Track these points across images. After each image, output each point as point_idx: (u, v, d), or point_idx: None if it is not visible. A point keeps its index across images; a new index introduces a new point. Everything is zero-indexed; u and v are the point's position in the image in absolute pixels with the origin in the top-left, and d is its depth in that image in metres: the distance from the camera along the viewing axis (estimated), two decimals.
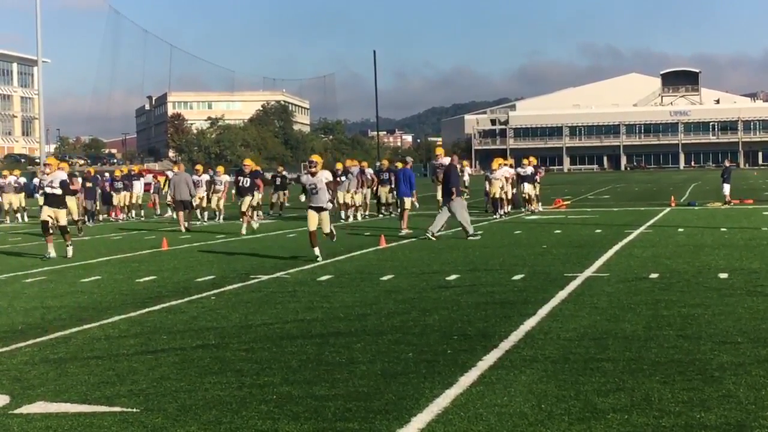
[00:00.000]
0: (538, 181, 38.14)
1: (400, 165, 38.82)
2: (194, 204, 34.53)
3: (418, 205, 33.64)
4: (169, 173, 39.22)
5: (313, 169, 19.75)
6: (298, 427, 6.84)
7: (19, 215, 40.87)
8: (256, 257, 20.40)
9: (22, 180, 42.29)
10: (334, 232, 20.68)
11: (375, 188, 38.19)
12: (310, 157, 20.50)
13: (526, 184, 36.52)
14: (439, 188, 30.38)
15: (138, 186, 41.95)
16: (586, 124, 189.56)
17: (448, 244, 22.84)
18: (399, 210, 28.74)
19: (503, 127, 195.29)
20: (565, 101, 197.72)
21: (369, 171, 38.43)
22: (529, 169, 36.78)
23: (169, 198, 35.52)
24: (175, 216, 34.75)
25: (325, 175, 19.83)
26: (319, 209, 19.67)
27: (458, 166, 29.32)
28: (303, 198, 20.33)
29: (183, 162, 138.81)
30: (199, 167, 38.41)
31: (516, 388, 7.82)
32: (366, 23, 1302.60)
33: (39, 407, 7.67)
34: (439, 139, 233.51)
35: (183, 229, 30.94)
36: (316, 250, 19.36)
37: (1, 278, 17.60)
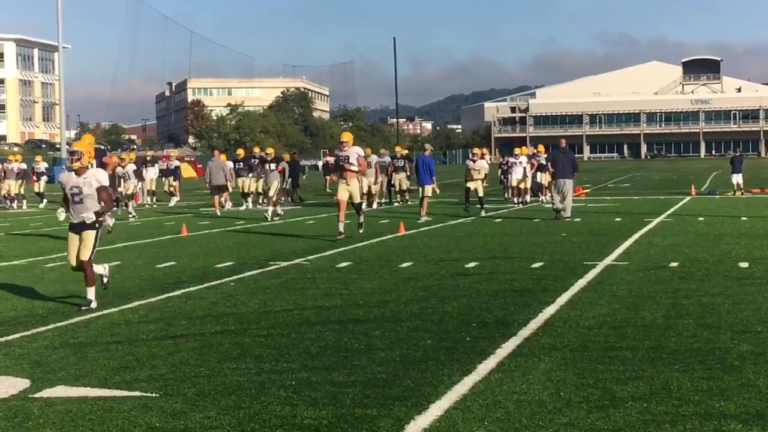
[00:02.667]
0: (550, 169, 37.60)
1: (405, 152, 39.09)
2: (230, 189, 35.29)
3: (438, 191, 33.50)
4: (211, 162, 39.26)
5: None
6: (316, 413, 6.85)
7: (15, 202, 40.75)
8: (276, 243, 20.43)
9: (23, 166, 42.32)
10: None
11: (389, 176, 38.13)
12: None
13: (539, 173, 36.31)
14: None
15: (152, 172, 41.96)
16: (607, 112, 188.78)
17: (468, 231, 22.82)
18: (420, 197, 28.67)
19: (523, 114, 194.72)
20: (586, 89, 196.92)
21: (387, 158, 38.28)
22: (542, 158, 36.50)
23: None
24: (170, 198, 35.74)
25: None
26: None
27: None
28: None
29: (203, 148, 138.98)
30: (240, 151, 39.94)
31: (535, 376, 7.82)
32: (381, 11, 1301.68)
33: (59, 391, 7.71)
34: (459, 126, 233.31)
35: (218, 213, 32.36)
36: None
37: (22, 263, 17.68)
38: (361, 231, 21.52)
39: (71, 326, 10.79)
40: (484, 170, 30.62)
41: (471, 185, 30.29)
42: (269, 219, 28.15)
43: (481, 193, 29.77)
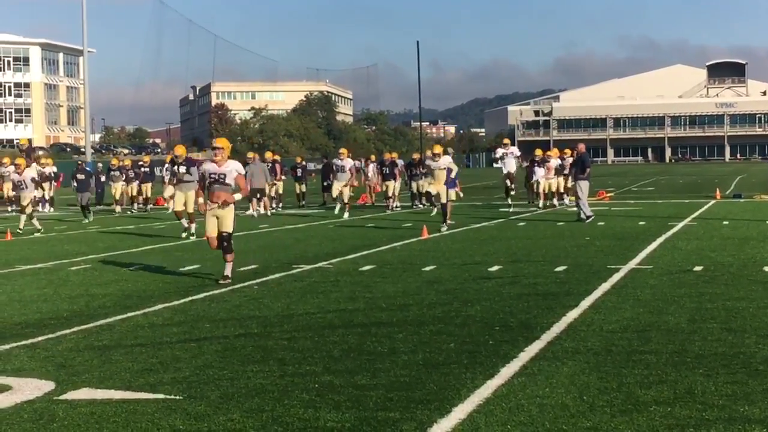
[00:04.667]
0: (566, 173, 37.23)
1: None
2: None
3: (462, 195, 33.24)
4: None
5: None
6: (339, 416, 6.86)
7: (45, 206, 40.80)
8: (299, 247, 20.46)
9: (54, 169, 42.47)
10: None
11: (407, 180, 38.30)
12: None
13: (557, 177, 36.10)
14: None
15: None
16: (631, 116, 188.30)
17: (491, 235, 22.80)
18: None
19: (547, 118, 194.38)
20: (610, 92, 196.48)
21: (400, 162, 38.32)
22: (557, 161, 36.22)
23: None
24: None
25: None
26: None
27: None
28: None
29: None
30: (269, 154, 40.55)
31: (558, 380, 7.80)
32: (401, 14, 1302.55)
33: (83, 393, 7.75)
34: (483, 130, 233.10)
35: (268, 213, 33.47)
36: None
37: (47, 266, 17.77)
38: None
39: (95, 329, 10.84)
40: (453, 169, 25.39)
41: (433, 189, 24.98)
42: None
43: (444, 199, 24.62)
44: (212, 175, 14.94)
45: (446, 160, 25.06)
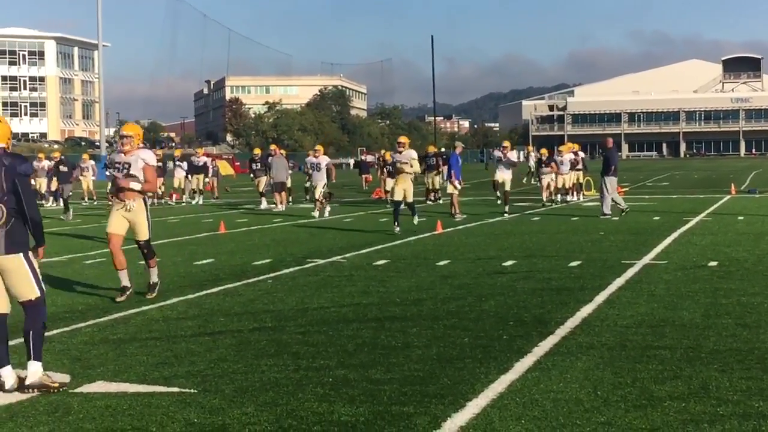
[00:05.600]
0: (579, 168, 37.01)
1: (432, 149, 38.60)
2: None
3: (459, 187, 31.72)
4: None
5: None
6: (353, 410, 6.87)
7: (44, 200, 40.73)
8: (313, 241, 20.48)
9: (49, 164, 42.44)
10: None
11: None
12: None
13: (573, 172, 35.92)
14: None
15: (181, 171, 41.67)
16: (645, 111, 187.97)
17: (505, 230, 22.78)
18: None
19: (561, 113, 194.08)
20: (624, 87, 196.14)
21: None
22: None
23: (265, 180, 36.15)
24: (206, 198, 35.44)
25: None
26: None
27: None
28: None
29: (241, 146, 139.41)
30: (257, 150, 40.09)
31: (572, 375, 7.80)
32: (415, 9, 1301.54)
33: (98, 387, 7.78)
34: (497, 124, 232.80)
35: (281, 208, 32.76)
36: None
37: (61, 259, 17.83)
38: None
39: (110, 322, 10.87)
40: (415, 166, 22.71)
41: (399, 189, 22.34)
42: (316, 216, 28.35)
43: (410, 198, 22.39)
44: (117, 165, 12.99)
45: (410, 154, 22.51)
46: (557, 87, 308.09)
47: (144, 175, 12.73)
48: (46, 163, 41.12)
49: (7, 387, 7.65)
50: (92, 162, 43.69)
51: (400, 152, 22.62)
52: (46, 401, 7.36)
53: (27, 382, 7.66)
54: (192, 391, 7.54)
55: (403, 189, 22.18)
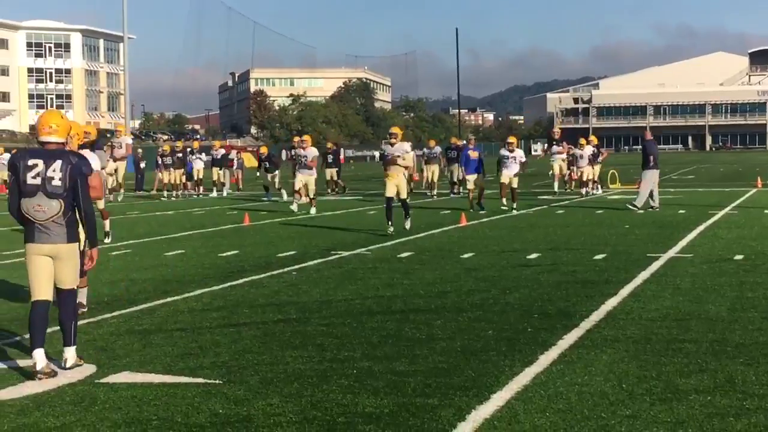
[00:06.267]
0: (600, 161, 36.72)
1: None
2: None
3: (470, 180, 30.44)
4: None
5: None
6: (378, 402, 6.88)
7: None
8: (337, 233, 20.50)
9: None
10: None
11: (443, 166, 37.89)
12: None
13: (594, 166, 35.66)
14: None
15: (199, 162, 41.48)
16: (671, 104, 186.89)
17: (530, 222, 22.74)
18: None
19: (586, 105, 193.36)
20: (650, 80, 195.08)
21: (438, 149, 37.97)
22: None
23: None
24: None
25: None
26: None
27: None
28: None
29: (265, 138, 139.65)
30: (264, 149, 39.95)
31: (597, 368, 7.78)
32: (438, 1, 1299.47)
33: (124, 377, 7.82)
34: (521, 117, 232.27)
35: (305, 201, 31.89)
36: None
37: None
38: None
39: (136, 313, 10.92)
40: (408, 159, 20.44)
41: (391, 185, 20.15)
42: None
43: (404, 195, 20.33)
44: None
45: (403, 147, 20.32)
46: (582, 80, 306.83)
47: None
48: None
49: (37, 368, 7.87)
50: (128, 140, 43.77)
51: (392, 144, 20.31)
52: (72, 391, 7.41)
53: (68, 365, 8.08)
54: (217, 382, 7.57)
55: (395, 185, 20.03)
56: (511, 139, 29.04)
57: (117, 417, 6.69)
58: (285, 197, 34.16)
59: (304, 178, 27.38)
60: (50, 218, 8.01)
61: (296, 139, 37.79)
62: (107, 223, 18.91)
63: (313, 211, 26.87)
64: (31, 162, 8.06)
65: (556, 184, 34.60)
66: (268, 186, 35.60)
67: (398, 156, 20.01)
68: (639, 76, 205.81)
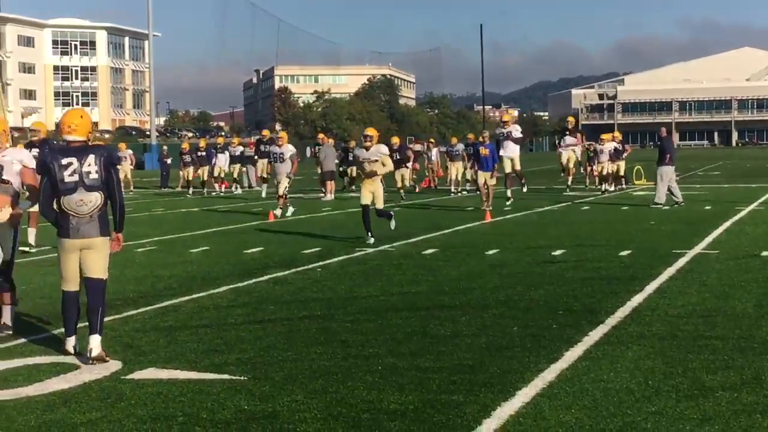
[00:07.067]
0: (623, 157, 36.37)
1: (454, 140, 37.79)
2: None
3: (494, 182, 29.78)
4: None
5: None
6: (403, 398, 6.88)
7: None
8: (362, 229, 20.46)
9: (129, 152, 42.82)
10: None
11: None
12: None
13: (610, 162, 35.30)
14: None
15: (222, 159, 41.35)
16: (697, 99, 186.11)
17: (554, 218, 22.69)
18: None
19: (611, 101, 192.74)
20: (675, 76, 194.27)
21: (460, 146, 37.65)
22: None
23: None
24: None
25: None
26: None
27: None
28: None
29: (290, 135, 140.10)
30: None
31: (622, 364, 7.76)
32: None
33: (150, 373, 7.85)
34: (546, 113, 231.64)
35: (330, 198, 32.52)
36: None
37: None
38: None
39: (161, 310, 10.96)
40: (387, 164, 18.06)
41: (366, 191, 18.02)
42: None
43: (379, 204, 18.00)
44: None
45: (380, 150, 18.10)
46: (607, 75, 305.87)
47: (23, 180, 10.18)
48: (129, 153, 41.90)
49: (71, 352, 8.52)
50: (130, 151, 43.76)
51: (367, 147, 18.04)
52: (99, 387, 7.44)
53: (93, 354, 8.30)
54: (242, 378, 7.59)
55: (370, 192, 17.87)
56: (506, 118, 27.44)
57: (143, 413, 6.72)
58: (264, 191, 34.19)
59: (278, 177, 24.97)
60: (93, 210, 8.49)
61: (265, 132, 37.64)
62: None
63: (279, 212, 24.52)
64: (64, 161, 8.43)
65: (570, 179, 34.22)
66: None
67: (376, 161, 17.82)
68: (664, 72, 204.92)
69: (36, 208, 10.13)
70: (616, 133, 37.76)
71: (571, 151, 35.80)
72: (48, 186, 8.48)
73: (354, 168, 36.78)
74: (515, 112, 35.87)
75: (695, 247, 15.90)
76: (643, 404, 6.63)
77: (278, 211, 24.55)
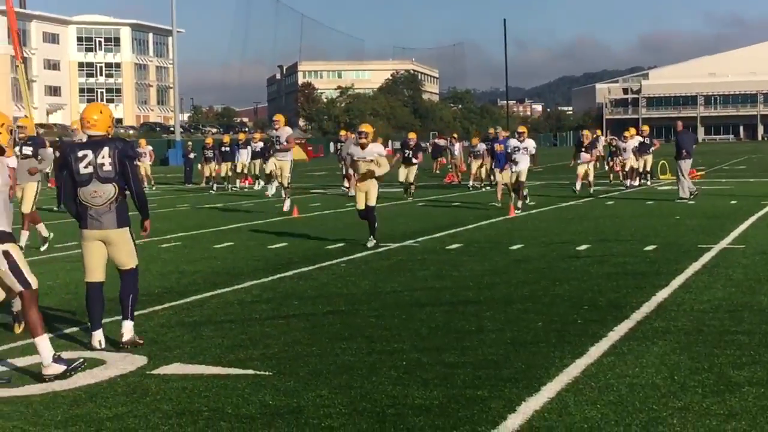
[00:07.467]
0: (650, 152, 35.99)
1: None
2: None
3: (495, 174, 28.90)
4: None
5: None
6: (427, 394, 6.87)
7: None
8: (386, 225, 20.47)
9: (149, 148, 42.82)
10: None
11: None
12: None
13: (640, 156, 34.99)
14: None
15: (245, 154, 41.25)
16: (722, 93, 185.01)
17: (579, 213, 22.62)
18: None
19: (635, 96, 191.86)
20: (700, 70, 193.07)
21: (482, 146, 37.43)
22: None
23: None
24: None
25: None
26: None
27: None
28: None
29: (313, 131, 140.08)
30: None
31: (648, 360, 7.72)
32: None
33: (175, 368, 7.87)
34: (570, 108, 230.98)
35: (353, 193, 31.76)
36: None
37: (137, 243, 18.00)
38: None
39: (186, 305, 10.99)
40: (383, 165, 16.72)
41: (360, 195, 16.78)
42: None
43: (372, 201, 16.67)
44: None
45: (376, 149, 16.75)
46: (631, 70, 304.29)
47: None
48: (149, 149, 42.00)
49: (97, 347, 8.71)
50: (150, 147, 43.59)
51: (363, 145, 16.76)
52: (124, 383, 7.47)
53: (124, 339, 8.73)
54: (267, 373, 7.60)
55: (364, 192, 16.66)
56: (522, 129, 26.66)
57: (168, 408, 6.74)
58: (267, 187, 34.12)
59: (279, 163, 23.42)
60: (107, 202, 8.78)
61: (341, 132, 37.82)
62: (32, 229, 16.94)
63: (287, 205, 23.49)
64: (81, 153, 8.76)
65: (578, 184, 34.04)
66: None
67: (371, 161, 16.52)
68: (689, 66, 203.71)
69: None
70: (645, 127, 37.56)
71: (586, 166, 35.48)
72: (68, 179, 8.81)
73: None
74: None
75: (721, 242, 15.82)
76: (669, 400, 6.60)
77: (287, 203, 23.43)
